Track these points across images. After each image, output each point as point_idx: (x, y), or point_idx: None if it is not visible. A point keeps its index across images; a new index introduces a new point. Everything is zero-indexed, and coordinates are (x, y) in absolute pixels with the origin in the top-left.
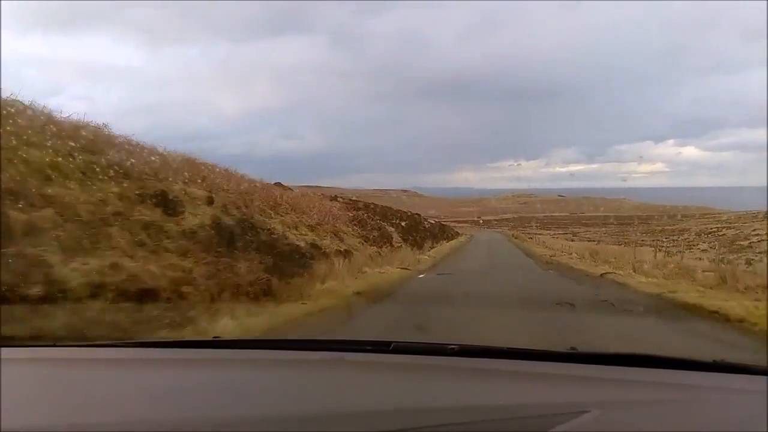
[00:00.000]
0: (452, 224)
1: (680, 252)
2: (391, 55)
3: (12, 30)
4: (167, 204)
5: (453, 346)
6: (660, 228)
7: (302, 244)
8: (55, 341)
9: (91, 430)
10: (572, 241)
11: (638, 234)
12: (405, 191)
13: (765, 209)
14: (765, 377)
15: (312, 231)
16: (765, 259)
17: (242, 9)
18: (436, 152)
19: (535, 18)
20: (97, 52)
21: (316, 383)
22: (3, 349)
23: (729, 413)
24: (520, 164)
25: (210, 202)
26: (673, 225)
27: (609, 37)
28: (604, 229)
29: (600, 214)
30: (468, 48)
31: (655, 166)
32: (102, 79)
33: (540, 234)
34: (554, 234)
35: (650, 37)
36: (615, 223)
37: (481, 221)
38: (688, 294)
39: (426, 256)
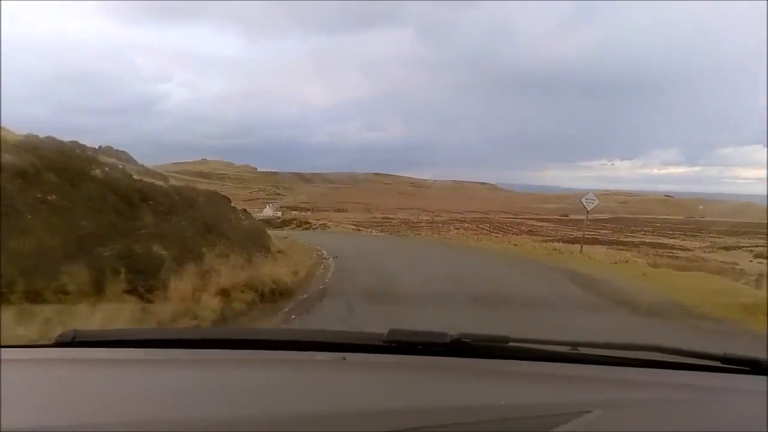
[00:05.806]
0: (531, 221)
1: None
2: (481, 48)
3: (121, 18)
4: None
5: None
6: None
7: None
8: (56, 342)
9: (90, 431)
10: None
11: None
12: (483, 184)
13: None
14: (765, 377)
15: None
16: None
17: (335, 1)
18: (521, 148)
19: (633, 9)
20: (200, 42)
21: (317, 383)
22: (3, 349)
23: (729, 413)
24: (614, 164)
25: None
26: None
27: (714, 33)
28: None
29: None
30: (561, 40)
31: (763, 171)
32: (203, 68)
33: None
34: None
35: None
36: None
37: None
38: None
39: None
